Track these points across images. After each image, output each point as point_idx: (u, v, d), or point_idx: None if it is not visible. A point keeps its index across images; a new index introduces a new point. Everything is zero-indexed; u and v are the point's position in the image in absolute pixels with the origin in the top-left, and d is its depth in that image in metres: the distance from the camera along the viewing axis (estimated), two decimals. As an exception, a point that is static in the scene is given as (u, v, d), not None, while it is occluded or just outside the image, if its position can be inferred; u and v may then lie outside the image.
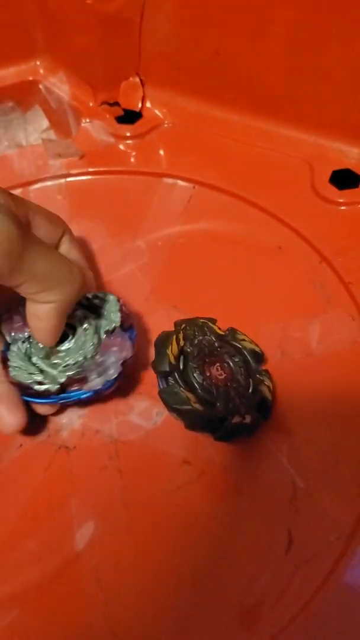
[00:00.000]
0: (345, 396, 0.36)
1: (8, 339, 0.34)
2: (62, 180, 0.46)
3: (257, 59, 0.43)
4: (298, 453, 0.34)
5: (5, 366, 0.32)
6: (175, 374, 0.34)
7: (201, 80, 0.46)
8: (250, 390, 0.34)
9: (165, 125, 0.48)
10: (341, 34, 0.40)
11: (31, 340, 0.33)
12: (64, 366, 0.32)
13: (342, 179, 0.43)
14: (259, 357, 0.36)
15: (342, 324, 0.38)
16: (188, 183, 0.45)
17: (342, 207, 0.42)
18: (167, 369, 0.34)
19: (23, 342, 0.33)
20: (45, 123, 0.53)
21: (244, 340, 0.37)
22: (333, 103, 0.43)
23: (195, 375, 0.34)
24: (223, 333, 0.37)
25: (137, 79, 0.48)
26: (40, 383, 0.32)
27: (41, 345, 0.33)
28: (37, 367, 0.33)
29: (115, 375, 0.32)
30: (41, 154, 0.47)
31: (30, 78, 0.51)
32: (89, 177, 0.46)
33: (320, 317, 0.39)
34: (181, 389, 0.33)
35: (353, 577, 0.30)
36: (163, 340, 0.35)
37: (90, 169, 0.46)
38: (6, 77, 0.51)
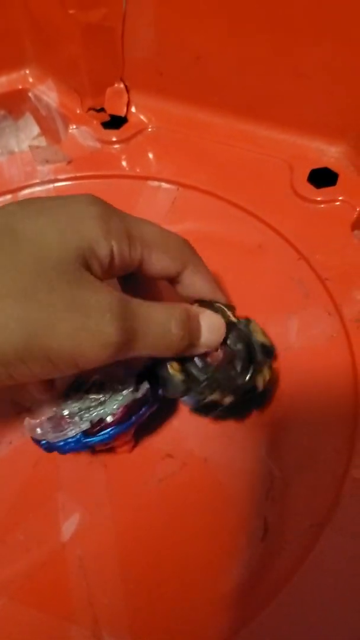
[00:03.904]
0: (323, 388, 0.37)
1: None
2: (50, 186, 0.48)
3: (237, 63, 0.44)
4: (276, 444, 0.35)
5: None
6: None
7: (184, 85, 0.48)
8: (245, 379, 0.34)
9: (150, 130, 0.49)
10: (316, 37, 0.41)
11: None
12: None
13: (321, 177, 0.45)
14: (267, 350, 0.36)
15: (319, 318, 0.39)
16: (172, 185, 0.46)
17: (321, 205, 0.43)
18: None
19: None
20: (36, 130, 0.54)
21: (256, 331, 0.36)
22: (310, 104, 0.44)
23: None
24: (236, 321, 0.36)
25: (122, 85, 0.50)
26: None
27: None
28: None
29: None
30: (30, 160, 0.48)
31: (20, 87, 0.53)
32: (76, 181, 0.48)
33: (298, 312, 0.40)
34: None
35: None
36: None
37: (78, 174, 0.48)
38: (-3, 86, 0.53)
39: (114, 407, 0.32)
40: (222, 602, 0.31)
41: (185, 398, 0.34)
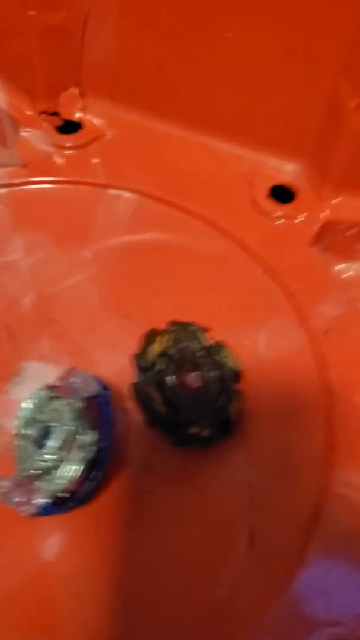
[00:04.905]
0: (294, 397, 0.38)
1: None
2: (4, 190, 0.46)
3: (199, 77, 0.45)
4: (254, 453, 0.36)
5: None
6: (152, 372, 0.36)
7: (143, 93, 0.48)
8: (217, 406, 0.35)
9: (107, 137, 0.49)
10: (280, 58, 0.42)
11: None
12: None
13: (280, 193, 0.46)
14: (237, 376, 0.37)
15: (287, 331, 0.41)
16: (133, 194, 0.46)
17: (281, 221, 0.45)
18: (144, 365, 0.36)
19: None
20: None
21: (227, 356, 0.38)
22: (270, 122, 0.45)
23: (168, 378, 0.35)
24: (210, 345, 0.38)
25: (77, 90, 0.49)
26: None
27: None
28: None
29: None
30: (-19, 162, 0.46)
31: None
32: (32, 186, 0.46)
33: (266, 324, 0.41)
34: (151, 387, 0.35)
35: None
36: (149, 337, 0.38)
37: (33, 179, 0.46)
38: None
39: (70, 474, 0.31)
40: (216, 613, 0.32)
41: (165, 431, 0.36)
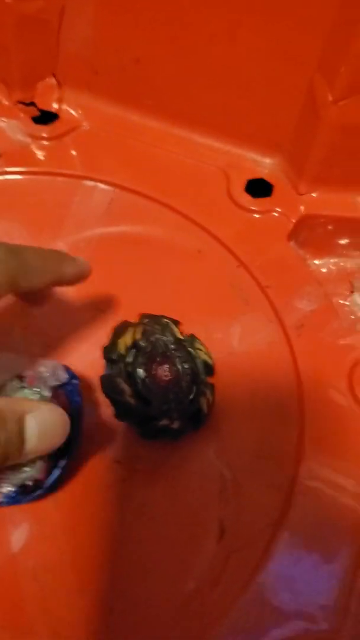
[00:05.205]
0: (265, 391, 0.38)
1: None
2: (-21, 179, 0.45)
3: (178, 70, 0.45)
4: (224, 446, 0.36)
5: None
6: (122, 364, 0.35)
7: (120, 85, 0.47)
8: (189, 399, 0.35)
9: (84, 128, 0.48)
10: (258, 52, 0.42)
11: None
12: None
13: (256, 187, 0.46)
14: (209, 369, 0.38)
15: (260, 325, 0.41)
16: (108, 186, 0.46)
17: (257, 215, 0.45)
18: (114, 357, 0.36)
19: None
20: None
21: (199, 349, 0.38)
22: (247, 116, 0.45)
23: (139, 370, 0.35)
24: (182, 337, 0.38)
25: (54, 80, 0.48)
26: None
27: None
28: None
29: None
30: None
31: None
32: (7, 177, 0.46)
33: (239, 318, 0.41)
34: (121, 379, 0.34)
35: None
36: (119, 329, 0.37)
37: (8, 169, 0.46)
38: None
39: (37, 462, 0.30)
40: (186, 605, 0.32)
41: (135, 423, 0.35)
